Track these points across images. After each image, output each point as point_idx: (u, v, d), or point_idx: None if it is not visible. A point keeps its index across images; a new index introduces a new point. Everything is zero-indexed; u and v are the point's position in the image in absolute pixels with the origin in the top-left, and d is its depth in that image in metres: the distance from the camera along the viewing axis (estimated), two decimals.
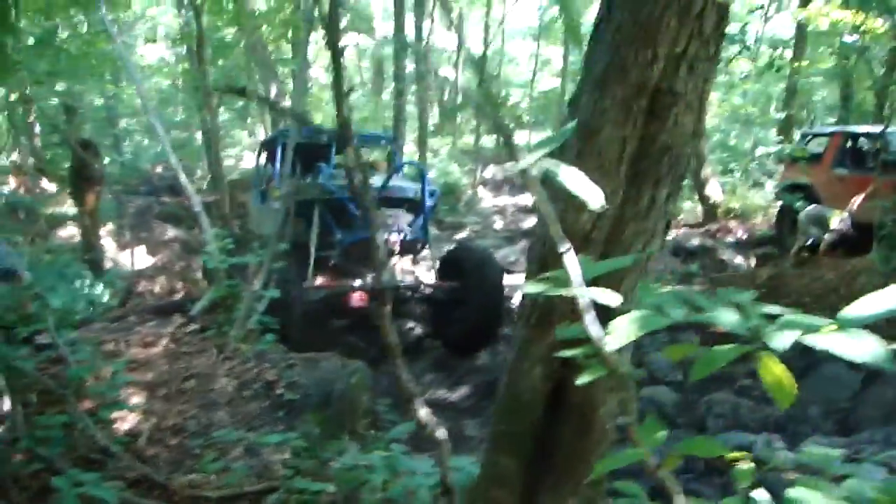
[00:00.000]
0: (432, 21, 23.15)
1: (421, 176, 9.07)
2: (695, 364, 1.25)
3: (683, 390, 6.84)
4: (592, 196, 1.32)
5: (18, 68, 8.76)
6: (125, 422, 4.50)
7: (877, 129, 11.49)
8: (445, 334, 9.46)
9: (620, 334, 1.17)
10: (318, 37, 14.41)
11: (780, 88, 22.67)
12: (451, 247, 11.08)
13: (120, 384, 4.46)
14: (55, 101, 15.23)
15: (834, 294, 9.15)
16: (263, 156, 10.94)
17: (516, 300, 9.18)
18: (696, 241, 13.87)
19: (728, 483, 2.39)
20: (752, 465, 1.45)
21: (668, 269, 12.15)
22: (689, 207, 17.41)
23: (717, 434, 5.21)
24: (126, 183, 19.90)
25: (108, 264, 10.56)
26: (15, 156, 18.67)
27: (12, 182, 16.94)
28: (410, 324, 10.30)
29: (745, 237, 14.76)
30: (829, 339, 1.13)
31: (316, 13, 7.12)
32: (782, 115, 21.77)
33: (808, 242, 11.62)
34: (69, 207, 16.04)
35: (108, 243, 12.82)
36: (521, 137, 26.02)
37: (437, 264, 9.83)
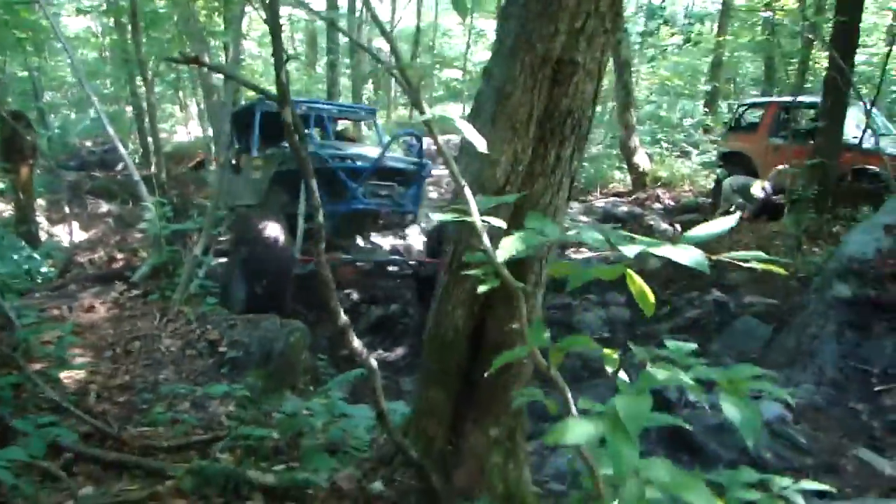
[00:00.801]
0: None
1: (415, 147, 8.71)
2: (570, 278, 1.55)
3: (609, 343, 7.24)
4: (479, 143, 1.59)
5: None
6: (73, 381, 4.67)
7: (813, 99, 12.01)
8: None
9: (506, 248, 1.47)
10: (250, 9, 14.35)
11: (706, 61, 23.35)
12: (436, 223, 11.01)
13: (67, 345, 4.64)
14: None
15: None
16: (230, 127, 10.78)
17: None
18: (624, 209, 14.34)
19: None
20: (617, 356, 1.73)
21: None
22: (619, 177, 17.89)
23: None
24: (54, 158, 19.56)
25: (43, 237, 10.54)
26: None
27: None
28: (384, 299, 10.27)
29: (672, 205, 15.29)
30: (664, 250, 1.43)
31: None
32: (708, 88, 22.47)
33: (732, 209, 12.16)
34: None
35: (41, 218, 12.74)
36: (456, 110, 26.25)
37: (426, 239, 9.86)
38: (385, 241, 10.36)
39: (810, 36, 10.01)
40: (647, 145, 18.81)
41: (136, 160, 18.20)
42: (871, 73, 17.74)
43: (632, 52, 17.58)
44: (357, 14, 20.84)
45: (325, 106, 10.16)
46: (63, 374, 4.64)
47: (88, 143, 22.61)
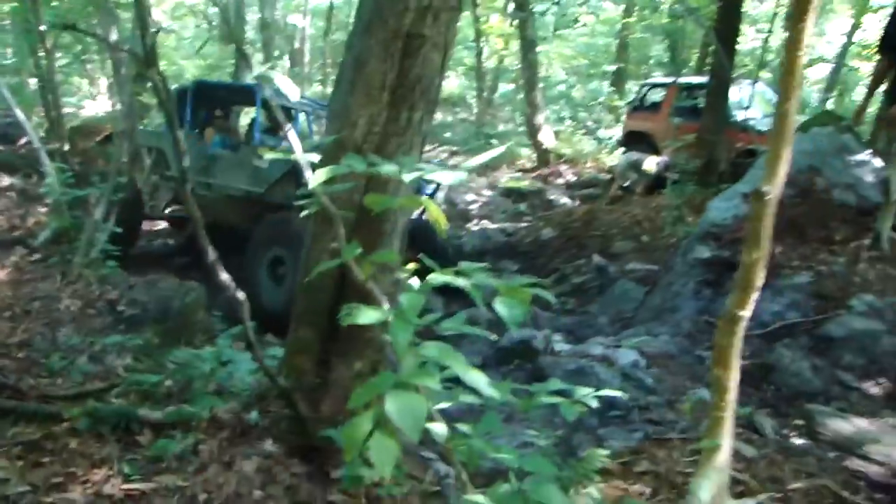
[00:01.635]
0: None
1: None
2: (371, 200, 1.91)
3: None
4: (291, 90, 1.93)
5: None
6: None
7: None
8: None
9: (318, 176, 1.83)
10: None
11: (612, 42, 24.09)
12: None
13: None
14: None
15: (638, 226, 10.28)
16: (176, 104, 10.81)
17: None
18: (526, 183, 14.87)
19: None
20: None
21: (500, 209, 13.06)
22: (526, 153, 18.42)
23: None
24: None
25: None
26: None
27: None
28: None
29: (574, 180, 15.89)
30: (437, 175, 1.79)
31: None
32: (614, 68, 23.21)
33: (626, 184, 12.79)
34: None
35: None
36: None
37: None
38: None
39: (697, 21, 10.60)
40: (553, 123, 19.37)
41: (42, 134, 17.87)
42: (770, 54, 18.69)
43: (537, 32, 18.05)
44: None
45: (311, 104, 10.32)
46: None
47: None
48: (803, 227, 5.91)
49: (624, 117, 16.48)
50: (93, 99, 25.41)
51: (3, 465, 3.22)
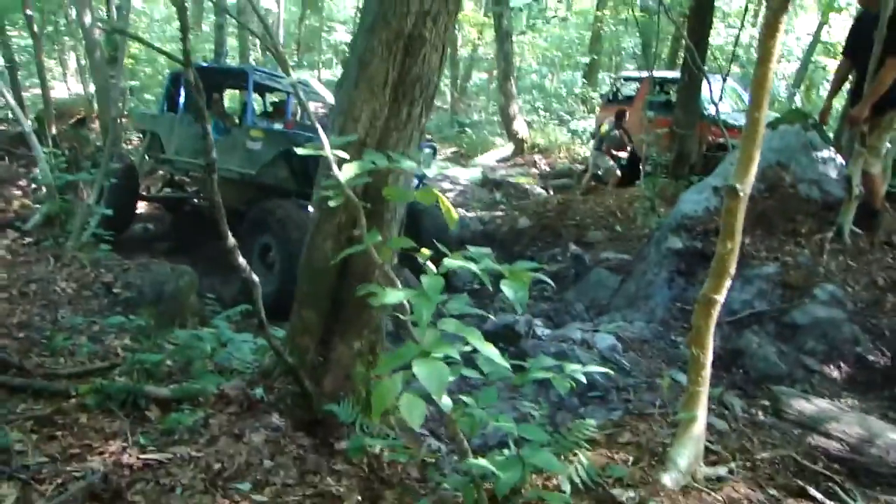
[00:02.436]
0: None
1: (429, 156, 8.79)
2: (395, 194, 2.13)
3: (477, 294, 7.92)
4: (327, 94, 2.14)
5: None
6: None
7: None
8: None
9: (347, 172, 2.04)
10: None
11: (587, 34, 24.37)
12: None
13: None
14: None
15: (612, 216, 10.58)
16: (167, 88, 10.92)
17: None
18: (502, 173, 15.11)
19: None
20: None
21: (476, 197, 13.28)
22: (500, 143, 18.67)
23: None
24: None
25: None
26: None
27: None
28: None
29: (547, 170, 16.17)
30: (453, 170, 2.01)
31: None
32: (587, 60, 23.50)
33: (599, 173, 13.09)
34: None
35: None
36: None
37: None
38: None
39: (668, 16, 10.87)
40: (527, 114, 19.61)
41: (9, 116, 17.74)
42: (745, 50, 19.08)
43: (514, 23, 18.28)
44: None
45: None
46: None
47: None
48: (771, 219, 6.20)
49: (597, 110, 16.75)
50: (63, 81, 25.19)
51: (19, 438, 3.39)
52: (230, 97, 15.30)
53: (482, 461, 2.33)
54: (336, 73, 27.11)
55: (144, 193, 10.45)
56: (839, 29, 18.15)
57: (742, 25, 11.47)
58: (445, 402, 2.11)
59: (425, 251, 2.20)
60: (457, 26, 21.56)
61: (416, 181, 8.75)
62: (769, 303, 5.54)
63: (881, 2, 5.51)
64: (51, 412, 3.73)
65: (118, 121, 7.49)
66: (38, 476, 3.07)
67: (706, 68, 10.87)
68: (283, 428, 3.36)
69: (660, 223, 8.07)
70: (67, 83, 24.65)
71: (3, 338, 4.88)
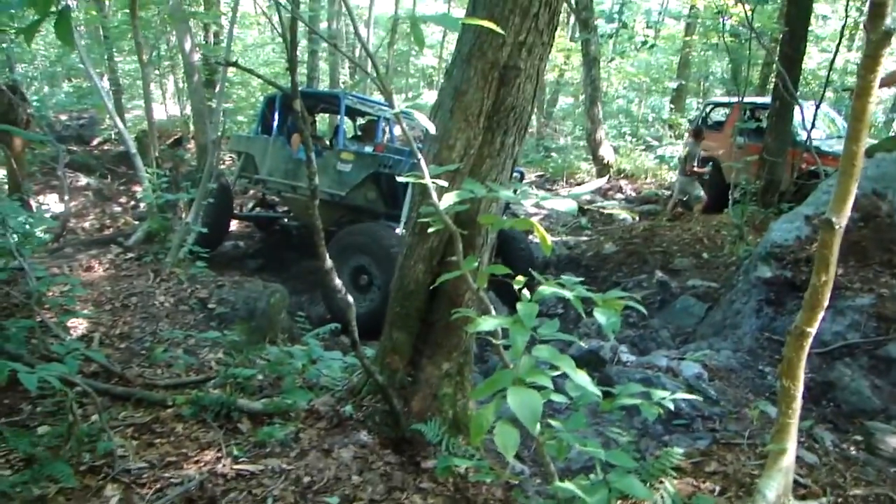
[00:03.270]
0: None
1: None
2: (493, 224, 2.19)
3: (561, 318, 7.92)
4: (431, 127, 2.22)
5: None
6: (77, 330, 5.25)
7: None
8: None
9: (447, 200, 2.12)
10: None
11: (675, 60, 24.14)
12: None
13: (76, 294, 5.24)
14: None
15: (699, 243, 10.43)
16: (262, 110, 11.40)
17: None
18: (587, 198, 15.04)
19: None
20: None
21: (561, 222, 13.26)
22: (586, 168, 18.60)
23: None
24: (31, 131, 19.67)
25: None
26: None
27: None
28: None
29: (633, 195, 16.03)
30: (550, 202, 2.06)
31: None
32: (675, 85, 23.26)
33: (685, 199, 12.89)
34: None
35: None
36: (431, 96, 26.73)
37: None
38: None
39: (761, 42, 10.72)
40: (614, 139, 19.50)
41: (112, 136, 18.57)
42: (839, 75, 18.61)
43: (601, 50, 18.25)
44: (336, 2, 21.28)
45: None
46: (69, 323, 5.22)
47: (63, 117, 22.85)
48: (866, 250, 6.05)
49: (686, 136, 16.52)
50: (162, 103, 26.19)
51: (121, 444, 3.57)
52: (320, 120, 15.69)
53: (569, 485, 2.36)
54: (422, 95, 27.47)
55: (237, 212, 10.85)
56: None
57: (837, 50, 11.19)
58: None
59: (520, 278, 2.25)
60: None
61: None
62: (862, 335, 5.39)
63: None
64: (149, 420, 3.92)
65: (217, 143, 7.77)
66: (138, 480, 3.24)
67: (798, 94, 10.66)
68: (370, 445, 3.46)
69: (748, 251, 7.94)
70: (166, 105, 25.60)
71: (107, 347, 5.13)
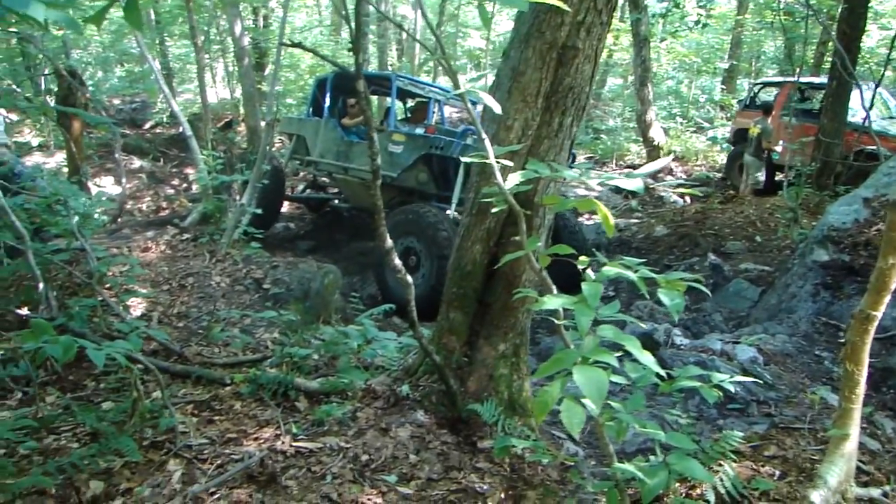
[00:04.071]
0: None
1: None
2: (556, 204, 2.19)
3: (613, 297, 7.85)
4: (496, 107, 2.23)
5: None
6: (136, 309, 5.38)
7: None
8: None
9: (513, 180, 2.12)
10: None
11: (726, 40, 23.70)
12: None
13: (135, 274, 5.37)
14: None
15: (752, 226, 10.27)
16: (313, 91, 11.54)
17: None
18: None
19: None
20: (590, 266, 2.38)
21: (611, 204, 13.17)
22: (635, 149, 18.42)
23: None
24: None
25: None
26: None
27: None
28: None
29: (683, 178, 15.84)
30: (617, 181, 2.06)
31: None
32: (727, 66, 22.85)
33: (758, 177, 12.65)
34: (31, 137, 16.51)
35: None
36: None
37: None
38: None
39: (818, 20, 10.48)
40: (664, 120, 19.25)
41: (164, 119, 18.87)
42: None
43: (651, 30, 17.99)
44: None
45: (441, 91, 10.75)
46: (129, 302, 5.34)
47: (116, 101, 23.25)
48: None
49: (735, 115, 16.26)
50: (213, 86, 26.47)
51: (181, 420, 3.65)
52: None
53: (628, 466, 2.37)
54: (468, 75, 27.37)
55: (288, 193, 10.97)
56: None
57: None
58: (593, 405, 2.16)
59: (583, 258, 2.25)
60: None
61: None
62: None
63: None
64: (209, 398, 4.00)
65: (271, 125, 7.85)
66: (199, 455, 3.31)
67: (856, 73, 10.41)
68: (427, 424, 3.49)
69: (804, 234, 7.81)
70: (216, 88, 25.89)
71: (166, 326, 5.24)
